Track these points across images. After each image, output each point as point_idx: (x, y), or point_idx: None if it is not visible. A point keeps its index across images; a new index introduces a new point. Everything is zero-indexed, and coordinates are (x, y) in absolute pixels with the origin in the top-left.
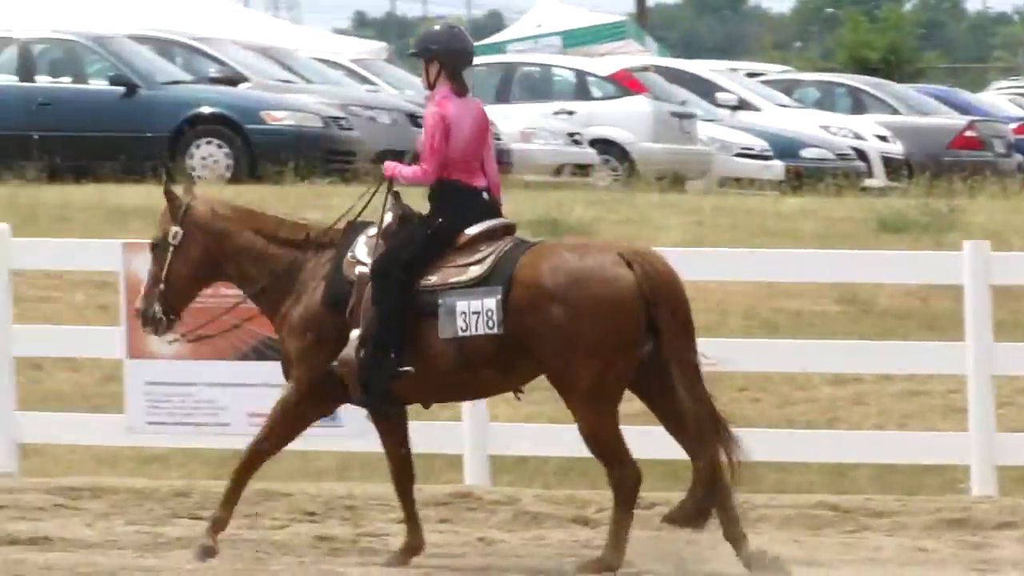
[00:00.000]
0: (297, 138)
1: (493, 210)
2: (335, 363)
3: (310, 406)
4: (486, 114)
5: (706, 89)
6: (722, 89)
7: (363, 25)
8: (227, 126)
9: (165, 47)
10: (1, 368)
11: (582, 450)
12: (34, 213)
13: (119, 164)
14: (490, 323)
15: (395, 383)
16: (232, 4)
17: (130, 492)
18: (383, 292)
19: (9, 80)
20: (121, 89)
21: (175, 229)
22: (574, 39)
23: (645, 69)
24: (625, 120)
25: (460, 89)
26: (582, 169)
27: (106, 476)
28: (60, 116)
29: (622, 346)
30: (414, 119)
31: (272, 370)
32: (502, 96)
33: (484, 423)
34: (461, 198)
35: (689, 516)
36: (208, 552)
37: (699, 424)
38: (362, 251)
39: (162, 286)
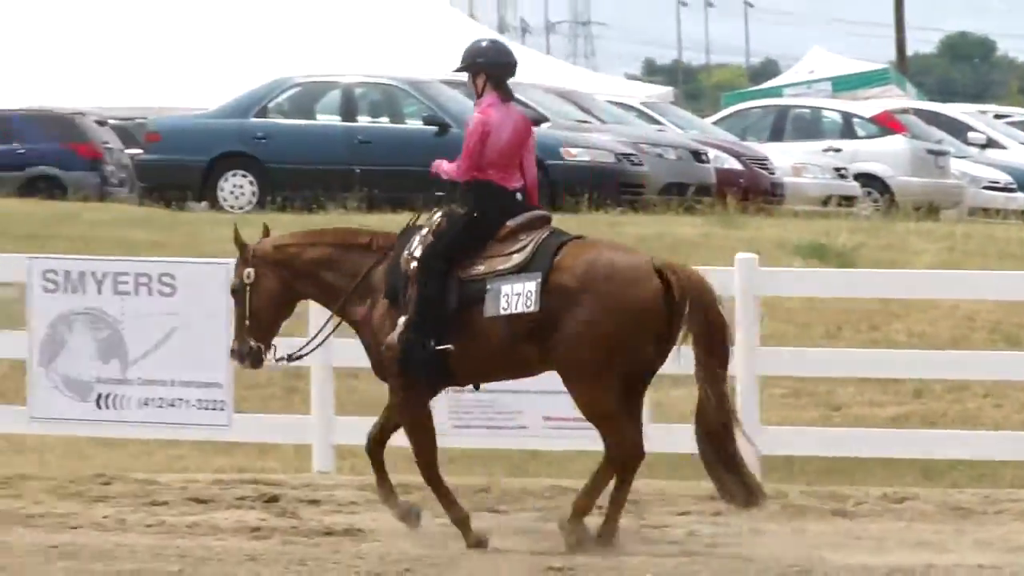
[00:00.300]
0: (592, 172)
1: (525, 207)
2: (383, 346)
3: (420, 397)
4: (528, 122)
5: (958, 129)
6: (973, 129)
7: (652, 71)
8: None
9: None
10: (324, 377)
11: (842, 451)
12: None
13: (430, 196)
14: (528, 303)
15: (444, 363)
16: (536, 53)
17: None
18: (423, 279)
19: (333, 120)
20: (434, 128)
21: (248, 271)
22: (842, 84)
23: (905, 111)
24: (886, 156)
25: (505, 96)
26: (847, 200)
27: (416, 475)
28: (378, 152)
29: (632, 343)
30: (697, 156)
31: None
32: (776, 134)
33: (757, 426)
34: (494, 196)
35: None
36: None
37: (713, 420)
38: (416, 248)
39: (247, 322)
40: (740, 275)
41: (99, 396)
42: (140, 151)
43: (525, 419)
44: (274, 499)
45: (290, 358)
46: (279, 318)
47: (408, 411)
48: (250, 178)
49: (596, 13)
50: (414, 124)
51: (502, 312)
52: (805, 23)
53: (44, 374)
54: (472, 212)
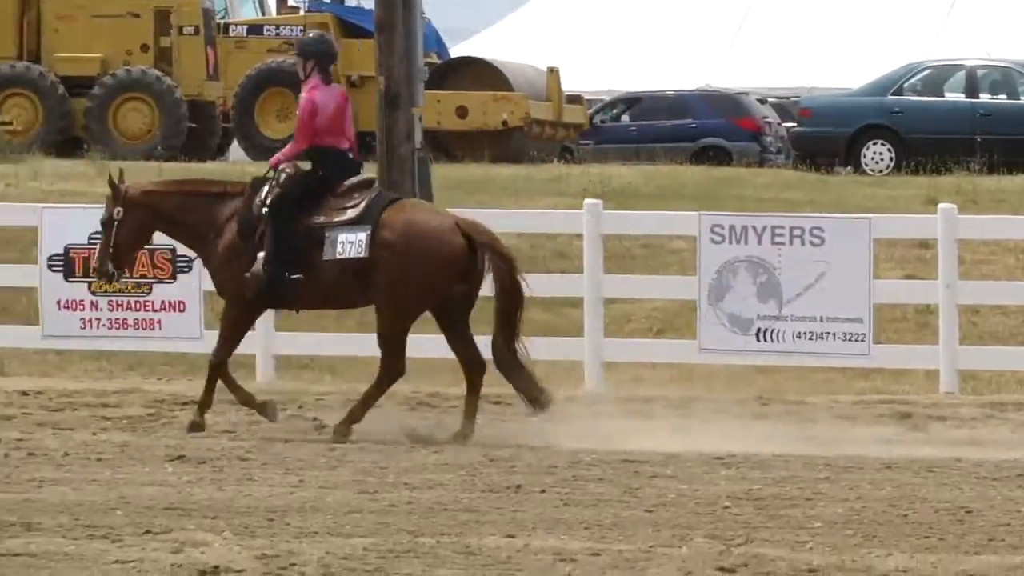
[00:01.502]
0: None
1: (356, 165)
2: (247, 274)
3: (252, 314)
4: (347, 96)
5: None
6: None
7: None
8: None
9: None
10: (949, 312)
11: None
12: (974, 197)
13: None
14: (360, 249)
15: (291, 291)
16: None
17: None
18: (276, 223)
19: (958, 97)
20: None
21: (118, 208)
22: None
23: None
24: None
25: (327, 79)
26: None
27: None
28: (997, 124)
29: (434, 288)
30: None
31: None
32: None
33: None
34: (332, 157)
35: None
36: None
37: (497, 344)
38: (267, 197)
39: (110, 250)
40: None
41: (759, 331)
42: (794, 124)
43: None
44: (907, 416)
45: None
46: (137, 249)
47: (235, 322)
48: (888, 146)
49: None
50: None
51: (338, 256)
52: None
53: (712, 312)
54: (317, 170)
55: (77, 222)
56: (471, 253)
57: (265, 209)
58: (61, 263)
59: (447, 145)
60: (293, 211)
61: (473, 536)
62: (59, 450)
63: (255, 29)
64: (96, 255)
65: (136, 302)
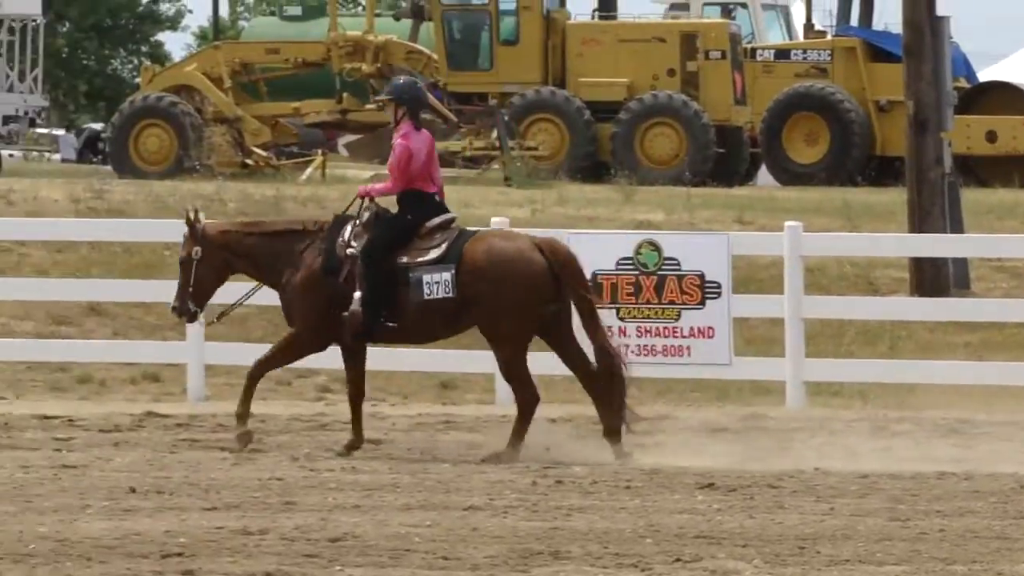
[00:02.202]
0: None
1: (442, 207)
2: (345, 314)
3: (311, 343)
4: (434, 142)
5: None
6: None
7: None
8: None
9: None
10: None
11: None
12: None
13: None
14: (447, 289)
15: (380, 332)
16: None
17: None
18: (369, 266)
19: None
20: None
21: (196, 248)
22: None
23: None
24: None
25: (418, 125)
26: None
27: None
28: None
29: (531, 307)
30: None
31: None
32: None
33: None
34: (421, 200)
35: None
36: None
37: (600, 353)
38: (350, 236)
39: (190, 289)
40: None
41: None
42: None
43: None
44: None
45: (218, 318)
46: (216, 288)
47: (292, 349)
48: None
49: None
50: None
51: (426, 297)
52: None
53: None
54: (406, 214)
55: (604, 248)
56: (552, 271)
57: (351, 249)
58: None
59: (977, 170)
60: (385, 255)
61: (1005, 564)
62: (587, 477)
63: (782, 53)
64: (176, 294)
65: (664, 328)
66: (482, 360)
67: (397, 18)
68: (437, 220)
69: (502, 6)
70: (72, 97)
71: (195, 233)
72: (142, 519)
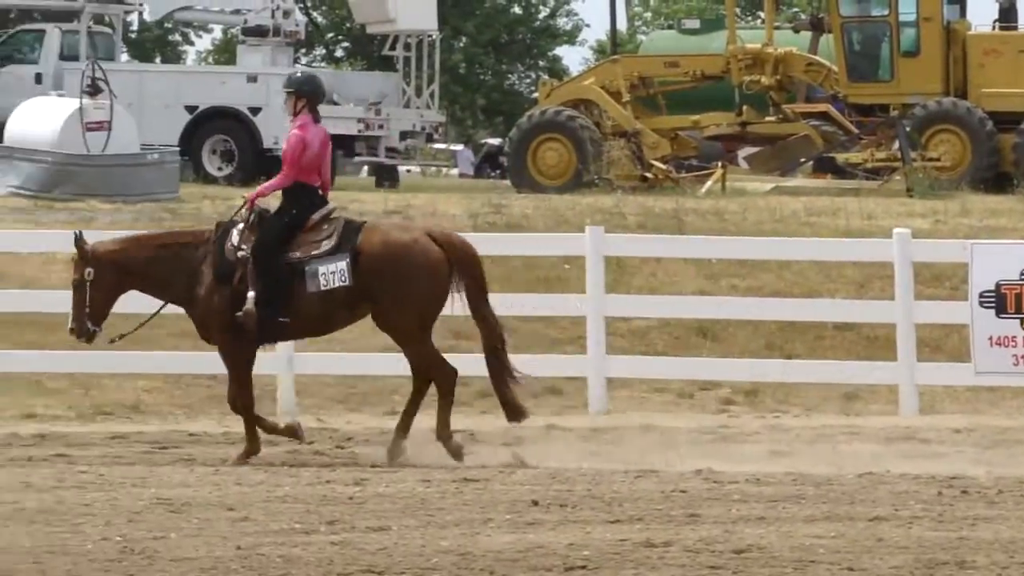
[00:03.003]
0: None
1: (323, 200)
2: (239, 314)
3: (240, 347)
4: (328, 136)
5: None
6: None
7: None
8: None
9: None
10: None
11: None
12: None
13: None
14: (343, 278)
15: (279, 329)
16: None
17: None
18: (263, 266)
19: None
20: None
21: (88, 269)
22: None
23: None
24: None
25: (316, 118)
26: None
27: None
28: None
29: (433, 299)
30: None
31: None
32: None
33: None
34: (306, 195)
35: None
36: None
37: (490, 340)
38: (238, 240)
39: (87, 309)
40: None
41: None
42: None
43: None
44: None
45: (120, 337)
46: (111, 305)
47: (236, 362)
48: None
49: None
50: None
51: (322, 288)
52: None
53: None
54: (292, 208)
55: (1008, 258)
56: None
57: (241, 252)
58: (992, 299)
59: None
60: (276, 252)
61: None
62: (992, 487)
63: None
64: (72, 315)
65: None
66: (885, 370)
67: (796, 30)
68: (320, 213)
69: (902, 17)
70: (469, 112)
71: (84, 254)
72: (545, 532)
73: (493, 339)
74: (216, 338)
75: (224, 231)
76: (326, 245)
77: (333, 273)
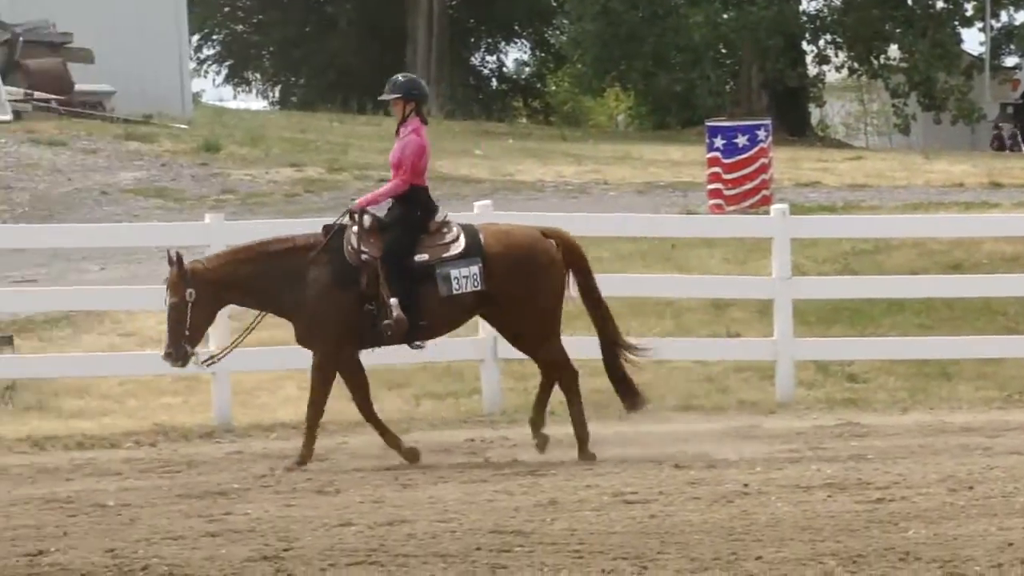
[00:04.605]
0: None
1: (436, 204)
2: (388, 322)
3: (344, 355)
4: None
5: None
6: None
7: None
8: None
9: None
10: None
11: None
12: None
13: None
14: (476, 282)
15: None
16: None
17: None
18: (397, 270)
19: None
20: None
21: (190, 290)
22: None
23: None
24: None
25: (424, 120)
26: None
27: None
28: None
29: (559, 295)
30: None
31: None
32: None
33: None
34: (426, 198)
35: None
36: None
37: (605, 333)
38: (358, 243)
39: (187, 332)
40: None
41: None
42: None
43: None
44: None
45: (212, 360)
46: (208, 327)
47: (339, 368)
48: None
49: None
50: None
51: (455, 292)
52: None
53: None
54: (416, 211)
55: None
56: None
57: (364, 256)
58: None
59: None
60: (408, 255)
61: None
62: None
63: None
64: (168, 339)
65: None
66: None
67: None
68: (440, 215)
69: None
70: None
71: (184, 274)
72: None
73: (608, 330)
74: (322, 344)
75: (336, 235)
76: (455, 248)
77: (466, 277)
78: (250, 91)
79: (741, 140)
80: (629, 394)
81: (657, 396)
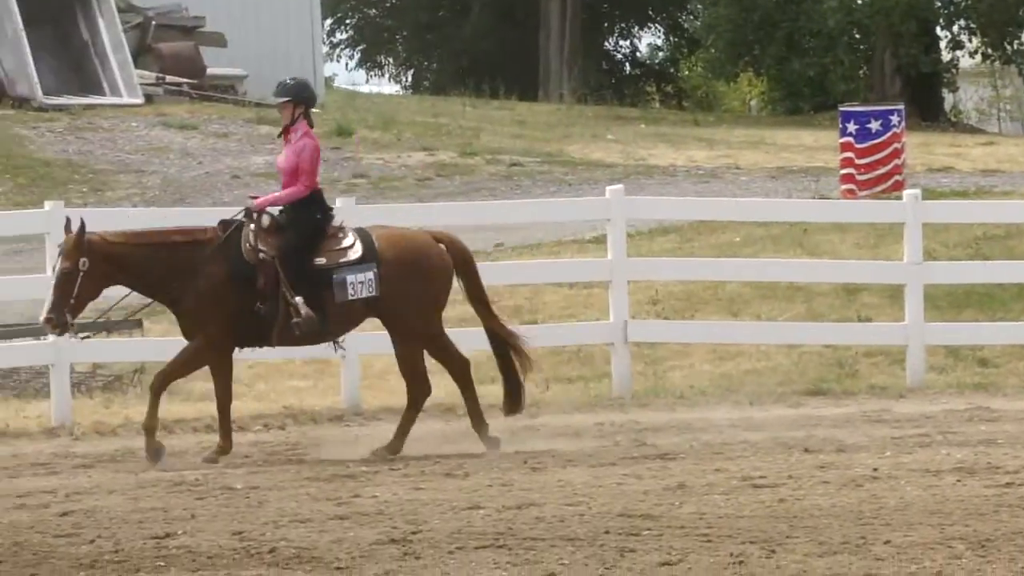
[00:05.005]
0: None
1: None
2: (297, 320)
3: (220, 353)
4: None
5: None
6: None
7: None
8: None
9: None
10: None
11: None
12: None
13: None
14: (371, 288)
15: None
16: None
17: None
18: (297, 271)
19: None
20: None
21: (83, 259)
22: None
23: None
24: None
25: (312, 124)
26: None
27: None
28: None
29: (445, 298)
30: None
31: None
32: None
33: None
34: (322, 201)
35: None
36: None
37: (494, 333)
38: (255, 240)
39: (72, 301)
40: None
41: None
42: None
43: None
44: None
45: (90, 335)
46: (91, 300)
47: (221, 361)
48: None
49: None
50: None
51: (350, 298)
52: None
53: None
54: (316, 214)
55: None
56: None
57: (262, 254)
58: None
59: None
60: (307, 257)
61: None
62: None
63: None
64: (51, 304)
65: None
66: None
67: None
68: (337, 219)
69: None
70: None
71: (81, 243)
72: None
73: (496, 329)
74: (206, 335)
75: (234, 232)
76: (352, 254)
77: (362, 283)
78: (383, 75)
79: (874, 125)
80: (514, 397)
81: (788, 380)
